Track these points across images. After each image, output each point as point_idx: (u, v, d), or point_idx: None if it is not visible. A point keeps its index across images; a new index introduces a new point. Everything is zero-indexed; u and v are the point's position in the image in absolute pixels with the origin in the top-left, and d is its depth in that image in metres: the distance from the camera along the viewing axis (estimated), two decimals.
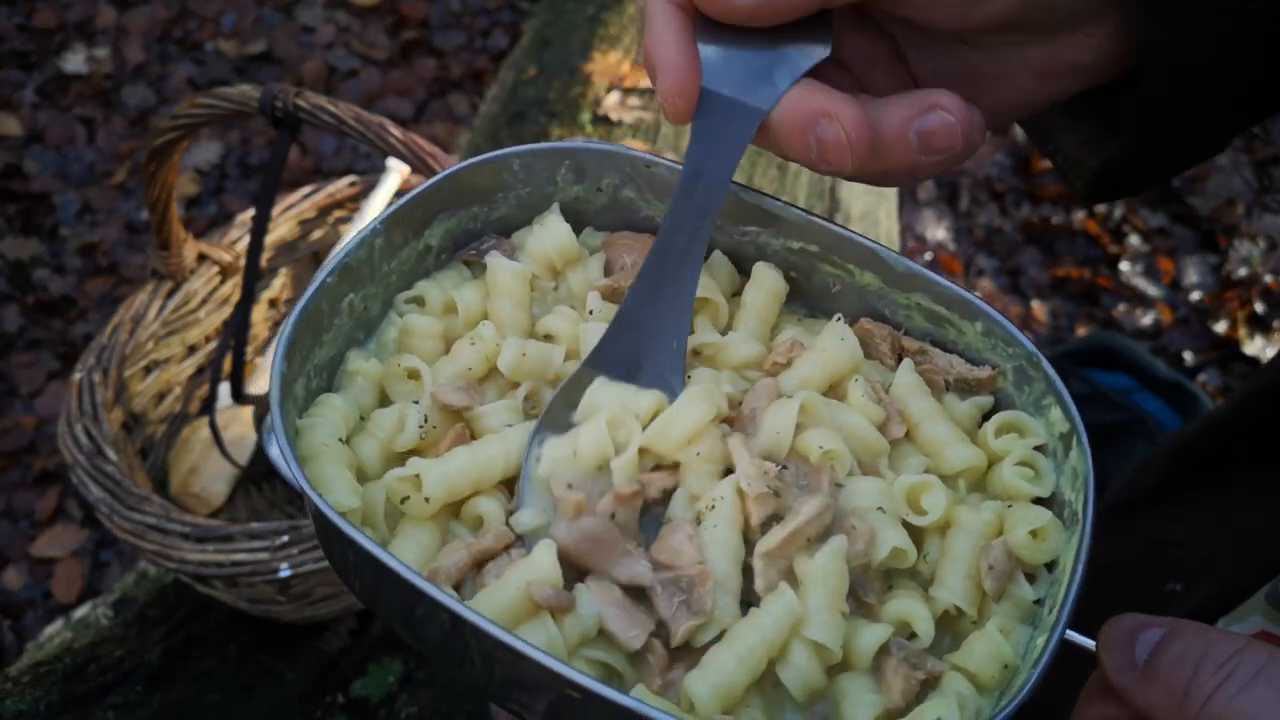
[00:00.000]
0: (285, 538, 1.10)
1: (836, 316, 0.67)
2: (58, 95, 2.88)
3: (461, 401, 0.63)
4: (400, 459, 0.63)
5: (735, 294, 0.71)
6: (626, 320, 0.63)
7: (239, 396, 1.47)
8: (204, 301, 1.47)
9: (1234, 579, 0.77)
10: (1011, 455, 0.63)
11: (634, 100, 1.97)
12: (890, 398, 0.66)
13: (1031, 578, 0.60)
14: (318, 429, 0.60)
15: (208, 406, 1.45)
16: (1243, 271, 2.57)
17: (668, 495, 0.61)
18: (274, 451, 1.50)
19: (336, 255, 0.63)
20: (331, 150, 2.78)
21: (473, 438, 0.64)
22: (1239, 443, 0.90)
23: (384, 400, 0.67)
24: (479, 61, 3.02)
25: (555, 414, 0.62)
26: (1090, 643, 0.54)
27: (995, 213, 2.75)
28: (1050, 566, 0.61)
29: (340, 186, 1.53)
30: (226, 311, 1.49)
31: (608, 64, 2.04)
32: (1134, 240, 2.68)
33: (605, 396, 0.61)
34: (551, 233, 0.70)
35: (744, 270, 0.72)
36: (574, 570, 0.58)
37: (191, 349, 1.50)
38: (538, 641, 0.53)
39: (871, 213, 1.97)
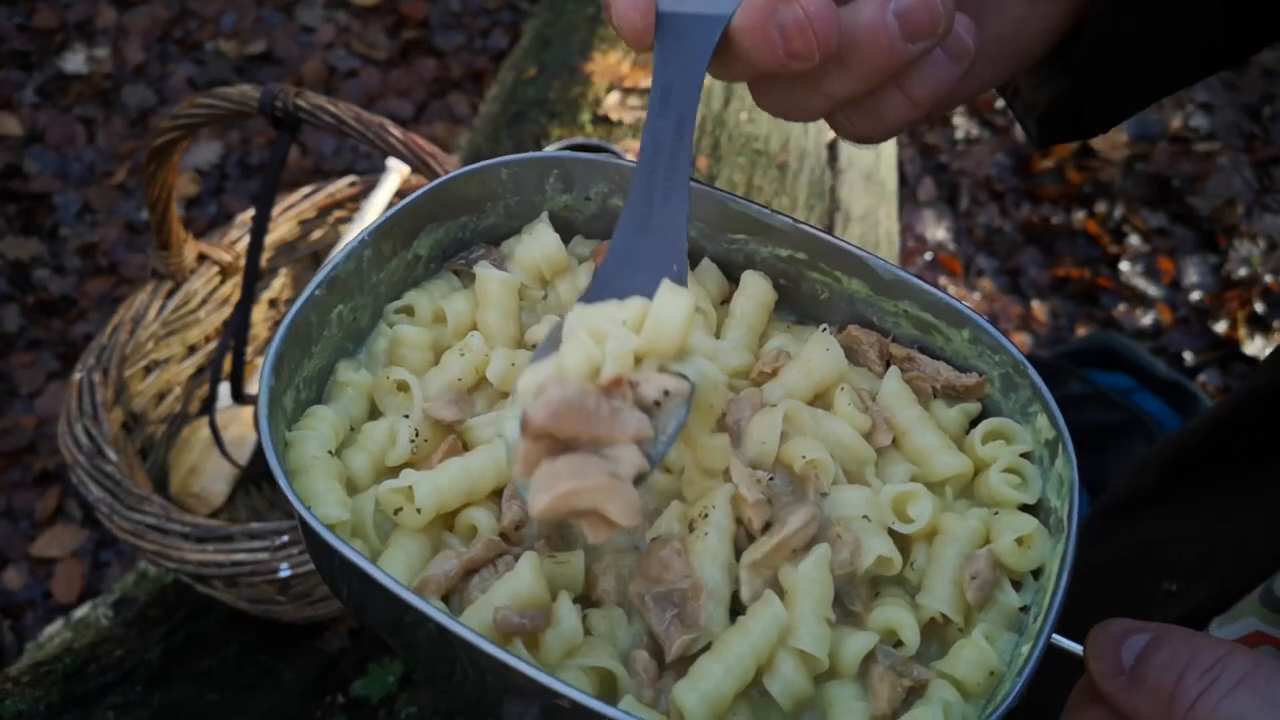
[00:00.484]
0: (285, 538, 1.10)
1: (822, 327, 0.67)
2: (58, 95, 2.88)
3: (453, 416, 0.63)
4: (391, 471, 0.63)
5: (724, 301, 0.71)
6: (619, 253, 0.59)
7: (239, 396, 1.47)
8: (204, 301, 1.47)
9: (1229, 579, 0.77)
10: (998, 462, 0.63)
11: (634, 100, 1.97)
12: (877, 406, 0.66)
13: (1018, 584, 0.61)
14: (307, 441, 0.60)
15: (208, 406, 1.45)
16: (1243, 271, 2.57)
17: (669, 396, 0.54)
18: None
19: (324, 268, 0.62)
20: (331, 150, 2.78)
21: (465, 449, 0.64)
22: (1236, 442, 0.90)
23: (374, 411, 0.67)
24: (479, 61, 3.02)
25: (542, 354, 0.59)
26: (1078, 648, 0.54)
27: (995, 213, 2.75)
28: (1036, 573, 0.61)
29: (340, 186, 1.53)
30: (226, 311, 1.49)
31: (608, 64, 2.04)
32: (1134, 240, 2.68)
33: (586, 314, 0.56)
34: (540, 242, 0.70)
35: (733, 278, 0.72)
36: (561, 446, 0.52)
37: (191, 349, 1.50)
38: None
39: (871, 213, 1.97)
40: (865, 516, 0.60)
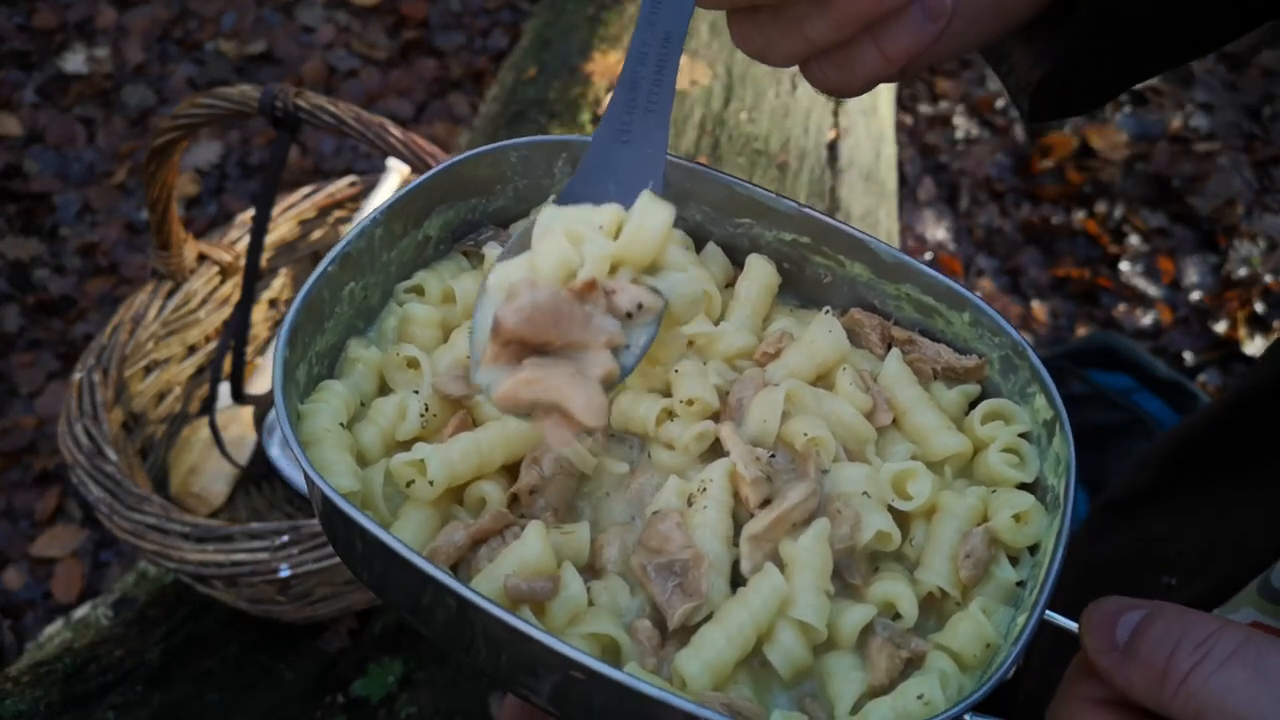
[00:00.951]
0: (285, 538, 1.10)
1: (825, 309, 0.69)
2: (58, 95, 2.88)
3: (461, 390, 0.64)
4: (401, 446, 0.64)
5: (729, 285, 0.73)
6: (596, 160, 0.59)
7: (239, 396, 1.47)
8: (204, 301, 1.47)
9: (1229, 573, 0.78)
10: (997, 442, 0.65)
11: None
12: (878, 386, 0.67)
13: (1014, 560, 0.62)
14: (319, 414, 0.61)
15: (208, 406, 1.45)
16: (1243, 271, 2.57)
17: (642, 309, 0.54)
18: (274, 451, 1.50)
19: (338, 245, 0.64)
20: (331, 150, 2.78)
21: (475, 424, 0.65)
22: (1234, 439, 0.91)
23: (384, 388, 0.68)
24: (479, 61, 3.02)
25: (512, 252, 0.59)
26: (1074, 625, 0.55)
27: (995, 213, 2.75)
28: (1033, 550, 0.62)
29: (340, 186, 1.53)
30: (226, 311, 1.49)
31: (608, 64, 2.05)
32: (1134, 240, 2.68)
33: (560, 215, 0.55)
34: None
35: (737, 262, 0.73)
36: (531, 350, 0.52)
37: (191, 349, 1.50)
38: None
39: (871, 213, 1.97)
40: (865, 493, 0.61)
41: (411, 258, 0.70)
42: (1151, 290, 2.59)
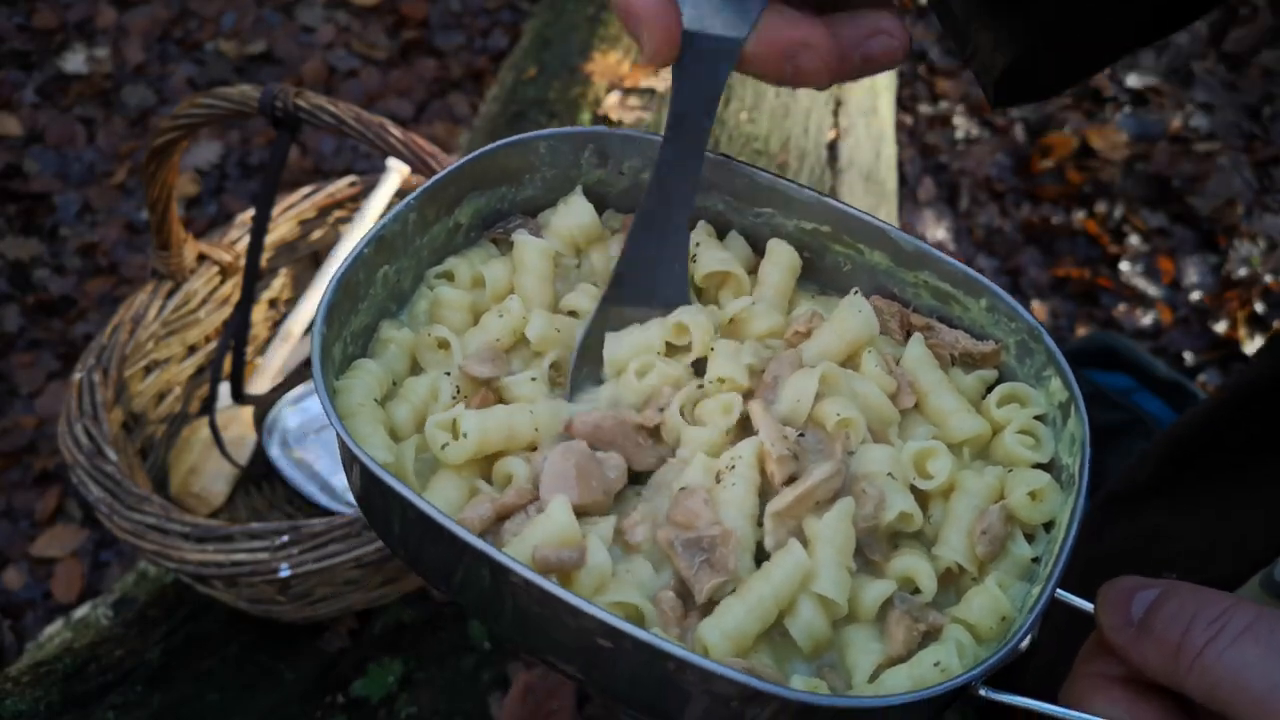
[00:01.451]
0: (285, 538, 1.10)
1: (855, 290, 0.70)
2: (58, 95, 2.88)
3: (488, 373, 0.66)
4: None
5: (751, 272, 0.74)
6: (633, 257, 0.68)
7: (239, 396, 1.47)
8: (204, 301, 1.47)
9: (1230, 568, 0.78)
10: (1013, 424, 0.66)
11: (634, 100, 1.97)
12: (901, 369, 0.69)
13: (1030, 537, 0.63)
14: (354, 390, 0.64)
15: (208, 406, 1.45)
16: (1243, 271, 2.57)
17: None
18: (274, 451, 1.51)
19: (373, 228, 0.66)
20: (331, 150, 2.78)
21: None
22: (1232, 435, 0.91)
23: (415, 368, 0.70)
24: (479, 61, 3.02)
25: (586, 353, 0.69)
26: (1088, 605, 0.56)
27: (995, 213, 2.75)
28: (1048, 527, 0.63)
29: (340, 186, 1.53)
30: (226, 311, 1.49)
31: (608, 64, 2.04)
32: (1134, 240, 2.68)
33: (623, 346, 0.68)
34: (575, 212, 0.73)
35: (758, 251, 0.75)
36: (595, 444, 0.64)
37: (191, 349, 1.50)
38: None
39: (871, 213, 1.97)
40: (889, 474, 0.63)
41: (443, 244, 0.72)
42: (1151, 290, 2.59)
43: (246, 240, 1.37)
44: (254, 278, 1.34)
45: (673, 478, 0.63)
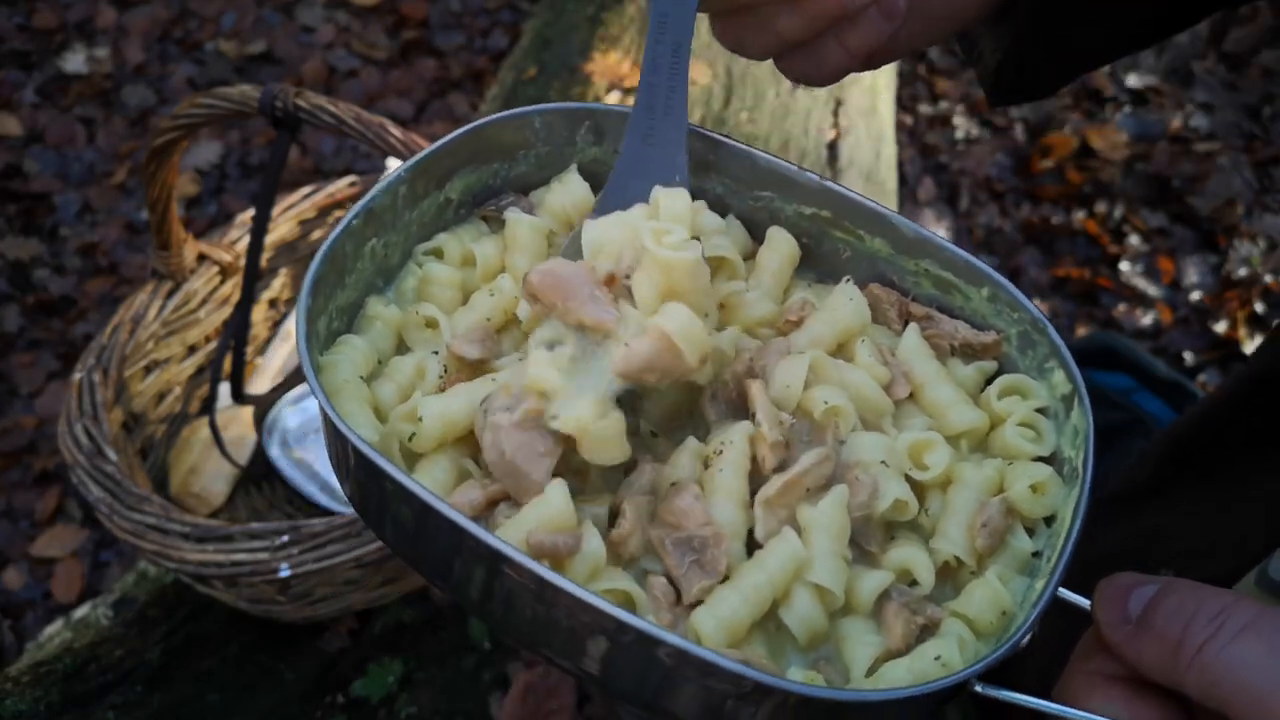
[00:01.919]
0: (285, 538, 1.10)
1: (846, 279, 0.69)
2: (58, 95, 2.87)
3: (476, 354, 0.64)
4: None
5: (748, 258, 0.73)
6: (627, 164, 0.66)
7: (239, 396, 1.47)
8: (204, 301, 1.47)
9: (1230, 566, 0.78)
10: (1013, 417, 0.65)
11: (634, 101, 1.97)
12: (896, 360, 0.67)
13: (1031, 531, 0.62)
14: (339, 366, 0.62)
15: (208, 406, 1.45)
16: (1243, 271, 2.57)
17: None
18: (274, 451, 1.50)
19: (362, 199, 0.64)
20: (331, 150, 2.78)
21: None
22: (1232, 433, 0.91)
23: (401, 347, 0.68)
24: (479, 61, 3.02)
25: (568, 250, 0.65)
26: (1085, 602, 0.55)
27: (995, 213, 2.75)
28: (1049, 521, 0.62)
29: (340, 186, 1.53)
30: (226, 311, 1.49)
31: (608, 64, 2.04)
32: (1134, 240, 2.68)
33: (603, 230, 0.62)
34: (570, 190, 0.72)
35: (757, 236, 0.73)
36: (539, 304, 0.59)
37: (191, 349, 1.50)
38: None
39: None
40: (883, 462, 0.61)
41: (432, 219, 0.71)
42: (1151, 290, 2.59)
43: (246, 240, 1.37)
44: (254, 278, 1.34)
45: (660, 479, 0.62)
